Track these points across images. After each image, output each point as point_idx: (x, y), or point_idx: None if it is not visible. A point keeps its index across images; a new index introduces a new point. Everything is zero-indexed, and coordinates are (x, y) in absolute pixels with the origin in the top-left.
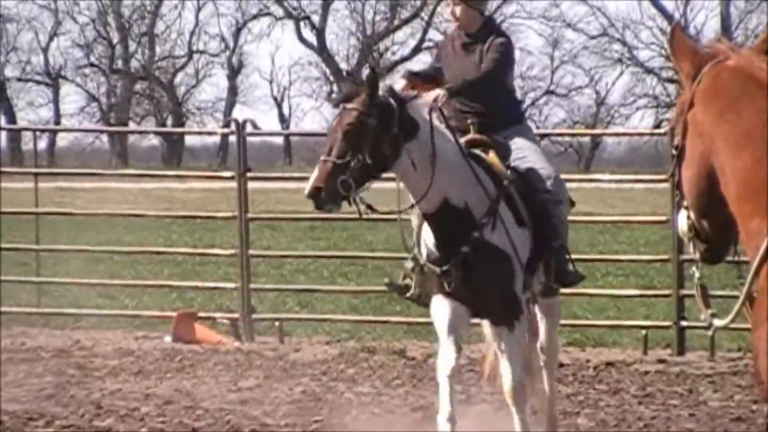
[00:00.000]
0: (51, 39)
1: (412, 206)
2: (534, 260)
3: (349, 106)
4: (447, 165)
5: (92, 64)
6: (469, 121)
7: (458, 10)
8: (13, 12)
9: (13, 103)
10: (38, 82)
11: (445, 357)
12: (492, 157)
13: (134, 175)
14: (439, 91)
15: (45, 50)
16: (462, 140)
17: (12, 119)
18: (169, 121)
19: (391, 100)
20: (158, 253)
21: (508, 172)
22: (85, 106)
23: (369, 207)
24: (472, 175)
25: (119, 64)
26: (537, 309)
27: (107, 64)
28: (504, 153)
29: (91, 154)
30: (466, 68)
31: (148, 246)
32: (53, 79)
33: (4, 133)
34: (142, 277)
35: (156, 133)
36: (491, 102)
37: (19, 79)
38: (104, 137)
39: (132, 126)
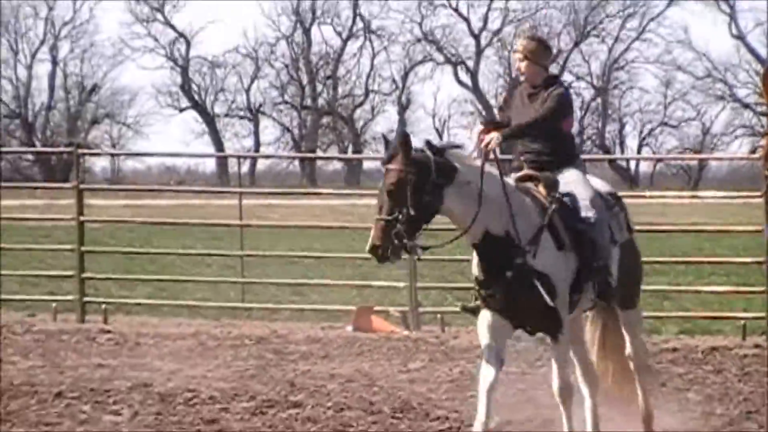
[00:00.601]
0: (252, 81)
1: (457, 238)
2: (579, 280)
3: (390, 166)
4: (487, 200)
5: (286, 102)
6: (522, 158)
7: (524, 65)
8: (221, 60)
9: (221, 135)
10: (241, 117)
11: (485, 372)
12: (540, 189)
13: (321, 194)
14: (494, 135)
15: (247, 91)
16: (514, 176)
17: (220, 148)
18: (349, 149)
19: (428, 152)
20: (341, 258)
21: (552, 204)
22: (280, 136)
23: (424, 249)
24: (515, 207)
25: (308, 101)
26: (598, 322)
27: (299, 102)
28: (552, 185)
29: (286, 176)
30: (528, 115)
31: (333, 252)
32: (254, 114)
33: (214, 160)
34: (327, 277)
35: (339, 159)
36: (547, 144)
37: (226, 115)
38: (296, 162)
39: (319, 153)
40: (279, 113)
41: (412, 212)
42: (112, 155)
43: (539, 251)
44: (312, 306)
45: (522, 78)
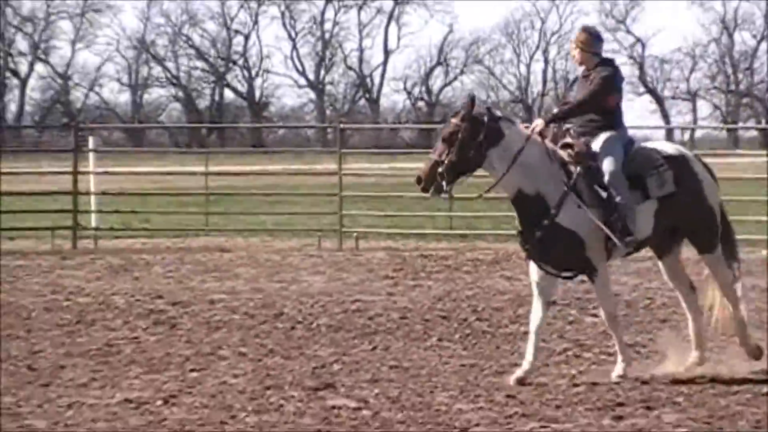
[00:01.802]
0: (690, 72)
1: (488, 191)
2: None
3: (452, 119)
4: (524, 165)
5: (716, 87)
6: (564, 128)
7: (576, 53)
8: (668, 57)
9: (668, 113)
10: (683, 99)
11: (534, 313)
12: (573, 155)
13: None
14: (539, 121)
15: (687, 80)
16: (558, 145)
17: (668, 122)
18: (763, 121)
19: (484, 117)
20: None
21: (579, 170)
22: (712, 113)
23: (451, 196)
24: (547, 172)
25: (732, 87)
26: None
27: (725, 87)
28: (584, 154)
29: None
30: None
31: None
32: (692, 97)
33: None
34: None
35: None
36: (592, 117)
37: (672, 98)
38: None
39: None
40: (711, 96)
41: (454, 159)
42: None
43: (564, 211)
44: None
45: (577, 65)
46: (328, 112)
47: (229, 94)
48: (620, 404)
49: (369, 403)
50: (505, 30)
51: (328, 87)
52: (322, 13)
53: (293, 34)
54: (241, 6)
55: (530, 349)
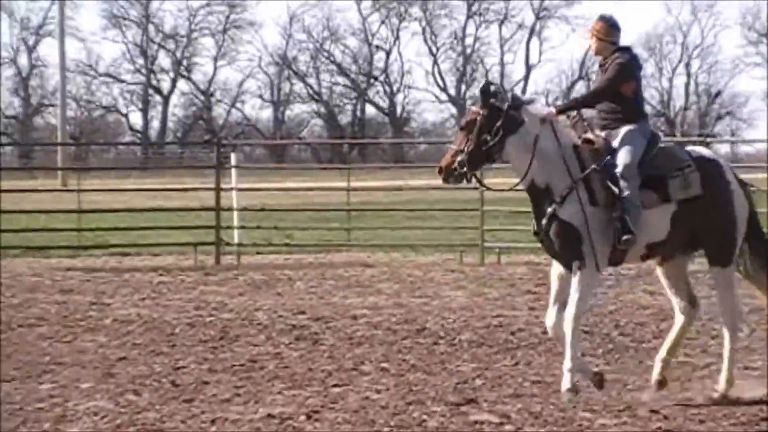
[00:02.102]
0: None
1: (517, 184)
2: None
3: (471, 108)
4: (539, 156)
5: None
6: (585, 122)
7: (593, 42)
8: None
9: None
10: None
11: (549, 313)
12: (590, 150)
13: None
14: (551, 109)
15: None
16: (576, 138)
17: None
18: None
19: (504, 104)
20: None
21: (592, 166)
22: None
23: (481, 183)
24: (559, 165)
25: None
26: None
27: None
28: (602, 150)
29: None
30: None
31: None
32: None
33: None
34: None
35: None
36: (610, 105)
37: None
38: None
39: None
40: None
41: (472, 147)
42: None
43: (568, 204)
44: None
45: (594, 55)
46: None
47: (370, 109)
48: (765, 419)
49: (511, 418)
50: (646, 44)
51: (469, 102)
52: (464, 29)
53: (434, 50)
54: (383, 22)
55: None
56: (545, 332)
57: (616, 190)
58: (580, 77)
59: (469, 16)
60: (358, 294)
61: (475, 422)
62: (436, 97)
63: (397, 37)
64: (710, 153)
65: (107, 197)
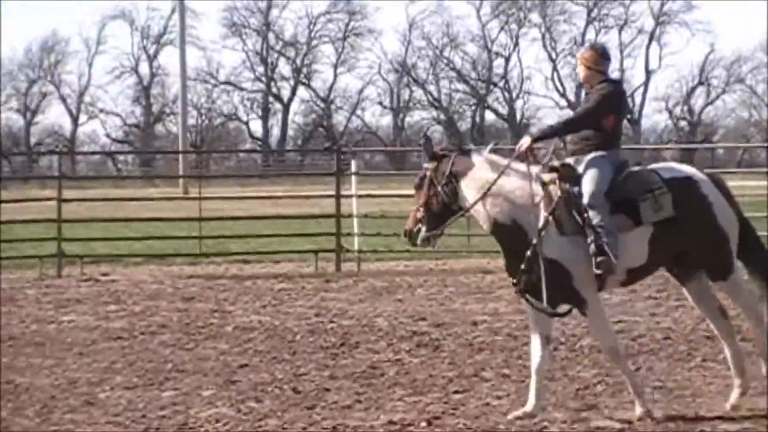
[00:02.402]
0: None
1: (453, 221)
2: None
3: (424, 166)
4: (499, 193)
5: None
6: (544, 151)
7: (582, 70)
8: None
9: None
10: None
11: (533, 351)
12: (555, 182)
13: None
14: (525, 138)
15: None
16: (545, 168)
17: None
18: None
19: (451, 152)
20: None
21: (559, 195)
22: None
23: (433, 240)
24: (524, 199)
25: None
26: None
27: None
28: (567, 177)
29: None
30: None
31: None
32: None
33: None
34: None
35: None
36: (584, 133)
37: None
38: None
39: None
40: None
41: (426, 202)
42: None
43: (546, 239)
44: None
45: (582, 82)
46: None
47: (490, 115)
48: None
49: (633, 424)
50: (767, 48)
51: None
52: (583, 34)
53: (554, 56)
54: (502, 28)
55: (532, 390)
56: (667, 338)
57: (580, 219)
58: (699, 82)
59: (588, 22)
60: (478, 300)
61: (597, 428)
62: (556, 102)
63: (517, 44)
64: (684, 169)
65: (228, 205)
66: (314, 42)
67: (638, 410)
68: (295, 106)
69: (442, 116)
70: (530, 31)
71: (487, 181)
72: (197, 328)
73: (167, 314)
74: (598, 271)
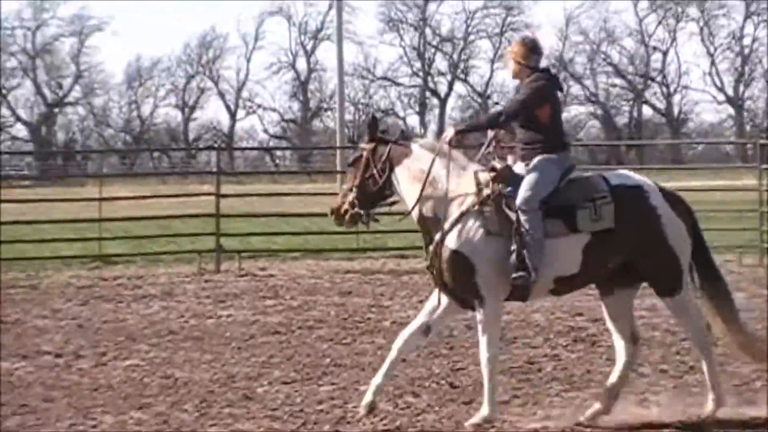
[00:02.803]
0: None
1: (407, 215)
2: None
3: (360, 145)
4: (429, 185)
5: None
6: (497, 151)
7: (511, 65)
8: None
9: None
10: None
11: (404, 331)
12: (492, 179)
13: None
14: (450, 130)
15: None
16: (476, 166)
17: None
18: None
19: (387, 138)
20: None
21: (488, 194)
22: None
23: (375, 220)
24: (449, 191)
25: None
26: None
27: None
28: (502, 178)
29: None
30: None
31: None
32: None
33: None
34: None
35: None
36: (527, 134)
37: None
38: None
39: None
40: None
41: (359, 184)
42: None
43: (460, 233)
44: None
45: (513, 78)
46: (747, 127)
47: (647, 110)
48: None
49: None
50: None
51: (748, 102)
52: (741, 29)
53: (712, 50)
54: (659, 22)
55: (383, 369)
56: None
57: (514, 221)
58: None
59: (747, 16)
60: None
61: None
62: (714, 97)
63: (674, 38)
64: (635, 179)
65: None
66: (471, 37)
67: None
68: (452, 102)
69: (599, 111)
70: (688, 25)
71: (420, 171)
72: (355, 323)
73: (325, 309)
74: (517, 283)
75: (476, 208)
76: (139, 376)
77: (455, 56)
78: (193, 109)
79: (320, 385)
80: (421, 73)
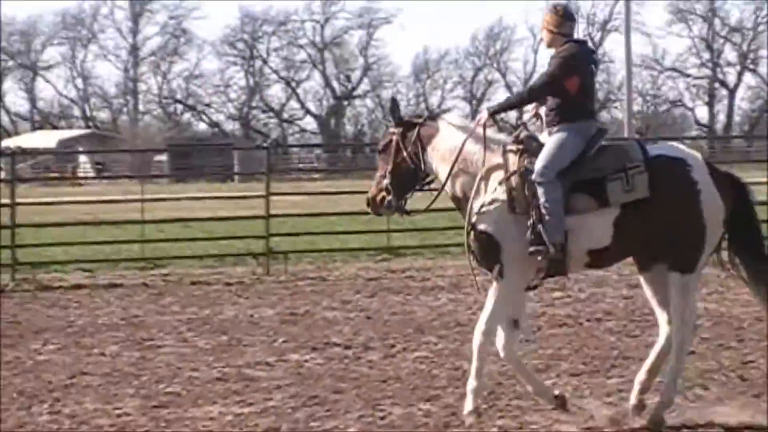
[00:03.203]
0: None
1: (433, 201)
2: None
3: (388, 130)
4: (460, 165)
5: None
6: (513, 123)
7: (545, 35)
8: None
9: None
10: None
11: (497, 337)
12: (519, 154)
13: None
14: (483, 112)
15: None
16: (511, 142)
17: None
18: None
19: (416, 119)
20: None
21: (515, 171)
22: None
23: (407, 213)
24: (481, 172)
25: None
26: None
27: None
28: (528, 152)
29: None
30: None
31: None
32: None
33: None
34: None
35: None
36: (553, 101)
37: None
38: None
39: None
40: None
41: (392, 169)
42: None
43: (486, 213)
44: None
45: (547, 48)
46: None
47: None
48: None
49: None
50: None
51: None
52: None
53: None
54: None
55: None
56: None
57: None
58: None
59: None
60: None
61: None
62: None
63: None
64: (681, 151)
65: None
66: (761, 27)
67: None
68: (741, 92)
69: None
70: None
71: (450, 149)
72: (643, 315)
73: (612, 301)
74: (536, 257)
75: (503, 185)
76: (427, 368)
77: (744, 46)
78: (480, 101)
79: (608, 378)
80: (709, 64)
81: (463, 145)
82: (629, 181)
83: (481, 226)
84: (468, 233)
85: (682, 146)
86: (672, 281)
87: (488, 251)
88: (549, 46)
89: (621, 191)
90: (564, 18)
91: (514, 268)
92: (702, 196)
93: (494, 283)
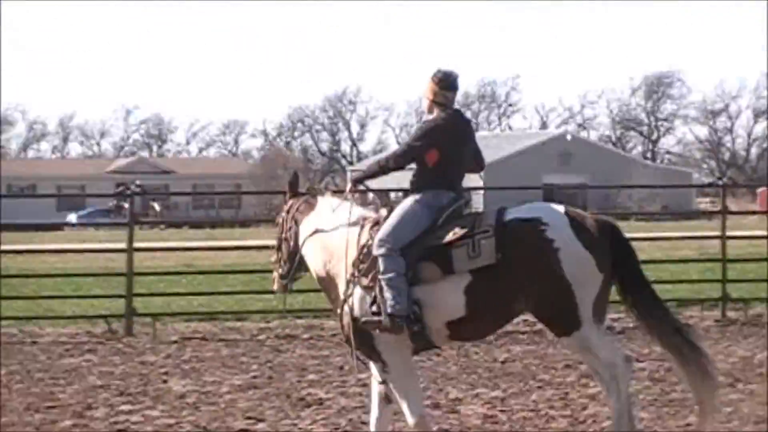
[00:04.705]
0: None
1: (290, 277)
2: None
3: (285, 205)
4: (318, 244)
5: None
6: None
7: (423, 100)
8: None
9: None
10: None
11: (372, 412)
12: (371, 228)
13: None
14: (349, 184)
15: None
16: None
17: None
18: None
19: (301, 194)
20: None
21: (365, 240)
22: None
23: (290, 290)
24: (342, 252)
25: None
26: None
27: None
28: (378, 224)
29: None
30: None
31: None
32: None
33: None
34: None
35: None
36: (413, 170)
37: None
38: None
39: None
40: None
41: (279, 245)
42: None
43: (354, 295)
44: None
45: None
46: None
47: None
48: None
49: None
50: None
51: None
52: None
53: None
54: None
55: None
56: None
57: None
58: None
59: None
60: None
61: None
62: None
63: None
64: (541, 210)
65: None
66: None
67: None
68: None
69: None
70: None
71: (316, 228)
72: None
73: None
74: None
75: (360, 265)
76: None
77: None
78: None
79: None
80: None
81: (322, 219)
82: (475, 247)
83: (348, 312)
84: (340, 318)
85: (546, 204)
86: (567, 346)
87: (362, 337)
88: (428, 112)
89: (466, 258)
90: (439, 87)
91: (392, 351)
92: (561, 253)
93: (386, 379)
